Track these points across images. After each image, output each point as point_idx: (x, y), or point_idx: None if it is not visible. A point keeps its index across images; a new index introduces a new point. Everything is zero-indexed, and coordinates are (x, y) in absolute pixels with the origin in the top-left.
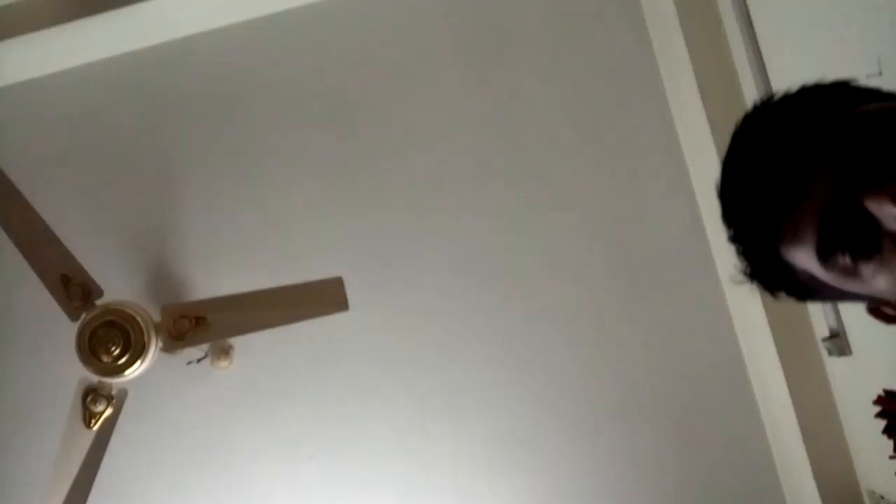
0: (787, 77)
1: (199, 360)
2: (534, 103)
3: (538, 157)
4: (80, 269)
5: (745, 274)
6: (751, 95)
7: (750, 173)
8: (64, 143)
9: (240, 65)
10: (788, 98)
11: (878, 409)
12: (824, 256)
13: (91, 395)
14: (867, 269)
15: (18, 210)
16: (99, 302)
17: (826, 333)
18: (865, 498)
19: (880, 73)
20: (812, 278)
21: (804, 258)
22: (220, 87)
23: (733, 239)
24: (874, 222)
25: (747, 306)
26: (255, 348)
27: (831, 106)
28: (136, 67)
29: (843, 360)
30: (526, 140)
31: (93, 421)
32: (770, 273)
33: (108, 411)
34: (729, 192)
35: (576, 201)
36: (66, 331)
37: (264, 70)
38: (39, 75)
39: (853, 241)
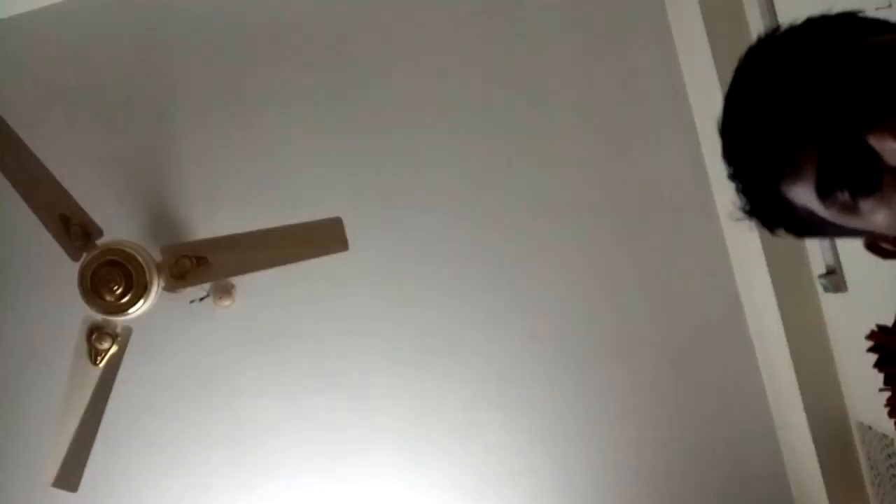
0: (794, 9)
1: (201, 300)
2: (535, 42)
3: (538, 97)
4: (80, 210)
5: (744, 211)
6: (757, 29)
7: (751, 109)
8: (59, 83)
9: (237, 1)
10: (793, 31)
11: (870, 343)
12: (824, 193)
13: (96, 333)
14: (866, 206)
15: (15, 151)
16: (99, 242)
17: (822, 269)
18: (854, 428)
19: (890, 5)
20: (811, 214)
21: (804, 194)
22: (218, 23)
23: (733, 176)
24: (875, 158)
25: (745, 242)
26: (256, 287)
27: (836, 39)
28: (132, 4)
29: (838, 295)
30: (526, 79)
31: (98, 358)
32: (769, 210)
33: (114, 349)
34: (730, 129)
35: (576, 139)
36: (70, 270)
37: (263, 7)
38: (33, 9)
39: (853, 178)
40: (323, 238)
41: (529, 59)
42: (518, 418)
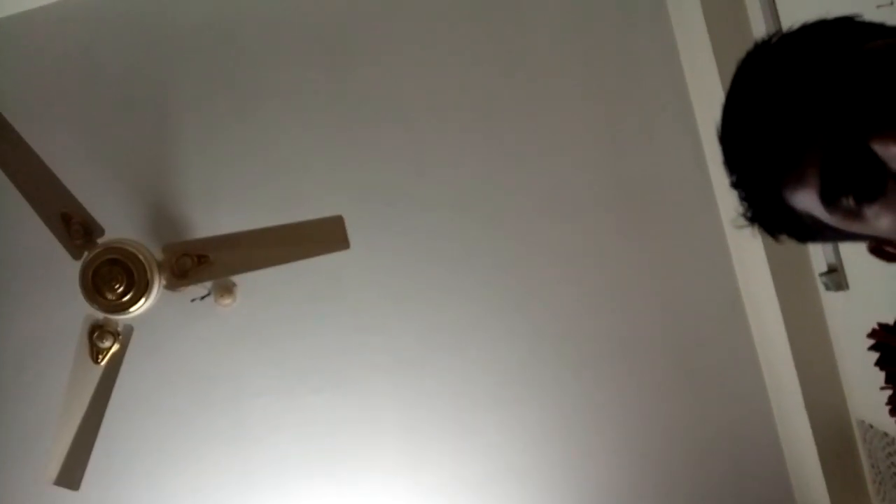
0: (797, 8)
1: (202, 298)
2: (537, 40)
3: (540, 94)
4: (81, 208)
5: (747, 218)
6: (757, 23)
7: (752, 117)
8: (61, 81)
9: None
10: (790, 36)
11: (872, 341)
12: (828, 200)
13: (97, 331)
14: (871, 211)
15: (16, 150)
16: (101, 240)
17: (824, 268)
18: (855, 427)
19: (892, 3)
20: (815, 220)
21: (807, 201)
22: (219, 20)
23: (735, 184)
24: (879, 164)
25: (746, 241)
26: (257, 286)
27: (836, 44)
28: (133, 1)
29: (839, 294)
30: (527, 76)
31: (100, 357)
32: (772, 217)
33: (115, 347)
34: (731, 137)
35: (577, 136)
36: (71, 269)
37: (263, 4)
38: (34, 7)
39: (857, 184)
40: (324, 236)
41: (530, 55)
42: (520, 417)
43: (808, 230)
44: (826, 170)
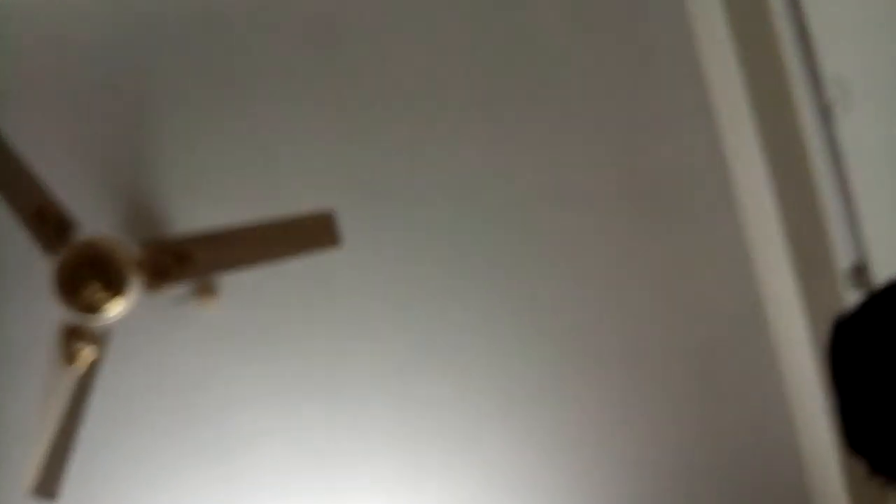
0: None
1: (183, 299)
2: (542, 23)
3: (544, 81)
4: (55, 203)
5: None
6: (780, 20)
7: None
8: (33, 66)
9: None
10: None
11: None
12: None
13: (73, 335)
14: None
15: None
16: (75, 237)
17: (849, 267)
18: None
19: None
20: None
21: None
22: (202, 5)
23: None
24: None
25: (767, 237)
26: (242, 286)
27: None
28: None
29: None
30: (532, 63)
31: (76, 362)
32: None
33: (92, 352)
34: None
35: (587, 126)
36: (44, 268)
37: None
38: None
39: None
40: (314, 233)
41: (536, 40)
42: (522, 427)
43: None
44: None
